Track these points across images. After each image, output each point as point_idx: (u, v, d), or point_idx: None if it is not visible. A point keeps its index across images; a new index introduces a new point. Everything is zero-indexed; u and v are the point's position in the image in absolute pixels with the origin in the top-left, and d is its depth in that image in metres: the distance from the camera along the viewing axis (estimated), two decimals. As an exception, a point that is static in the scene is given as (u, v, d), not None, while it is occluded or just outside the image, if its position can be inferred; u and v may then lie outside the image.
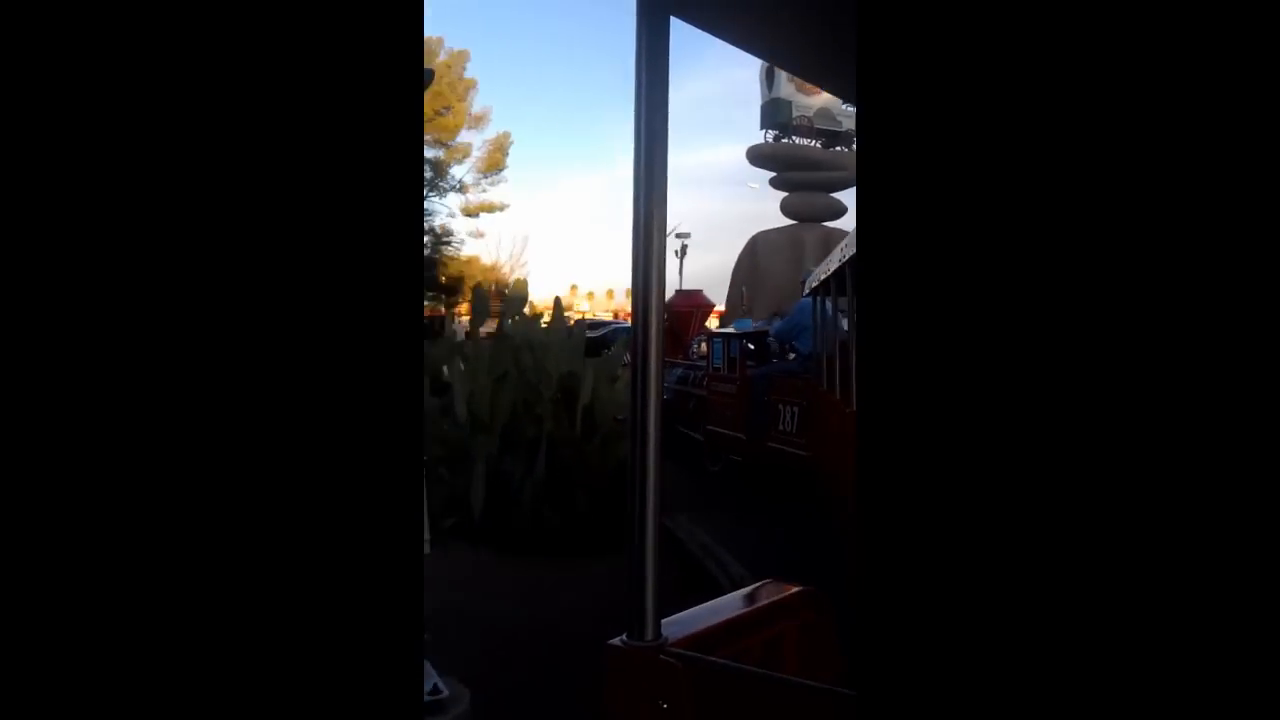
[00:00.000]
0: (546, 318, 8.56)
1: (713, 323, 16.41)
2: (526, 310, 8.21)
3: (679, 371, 10.71)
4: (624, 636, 1.45)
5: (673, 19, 1.48)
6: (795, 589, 1.81)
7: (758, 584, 1.86)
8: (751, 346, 9.52)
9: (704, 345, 10.75)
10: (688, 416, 9.97)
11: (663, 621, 1.48)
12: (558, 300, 8.24)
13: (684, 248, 29.70)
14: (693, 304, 13.73)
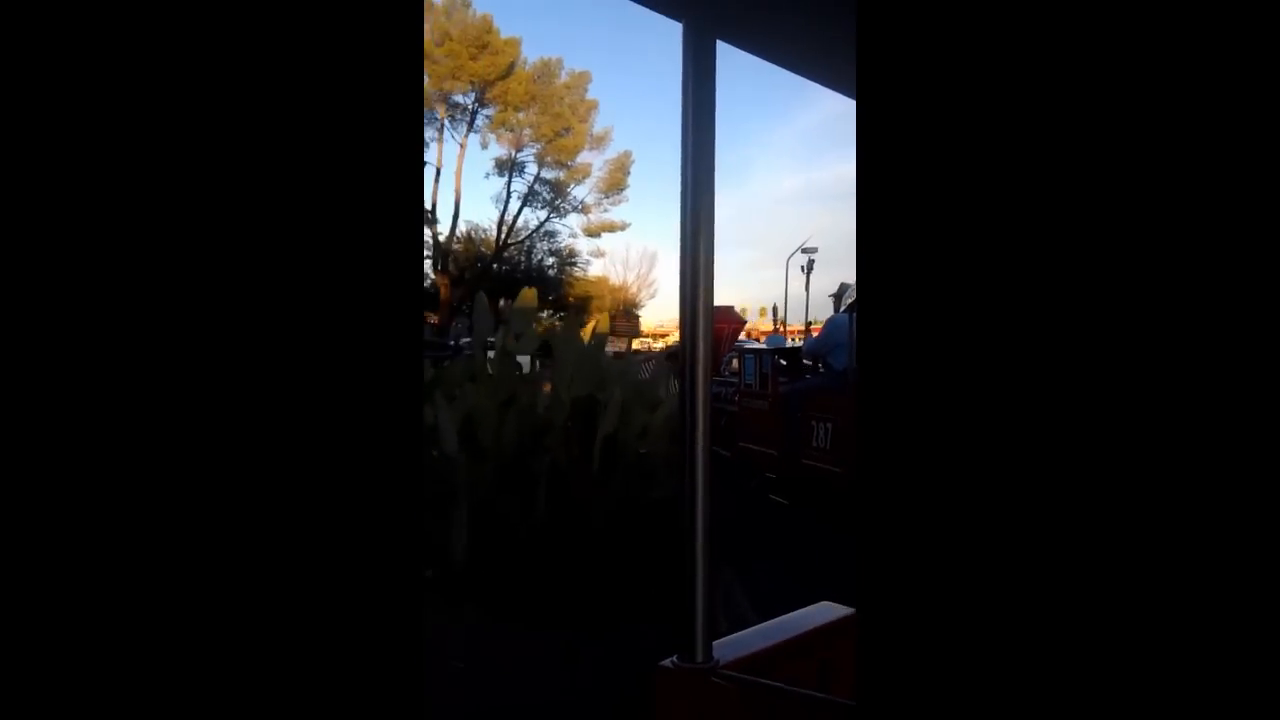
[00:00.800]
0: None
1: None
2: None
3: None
4: (675, 658, 1.44)
5: (719, 42, 1.50)
6: (850, 611, 1.80)
7: (811, 606, 1.85)
8: (784, 363, 9.50)
9: (735, 362, 10.72)
10: (719, 434, 9.90)
11: (714, 643, 1.48)
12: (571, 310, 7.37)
13: (810, 263, 28.97)
14: (722, 321, 13.74)
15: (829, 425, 7.60)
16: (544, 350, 6.38)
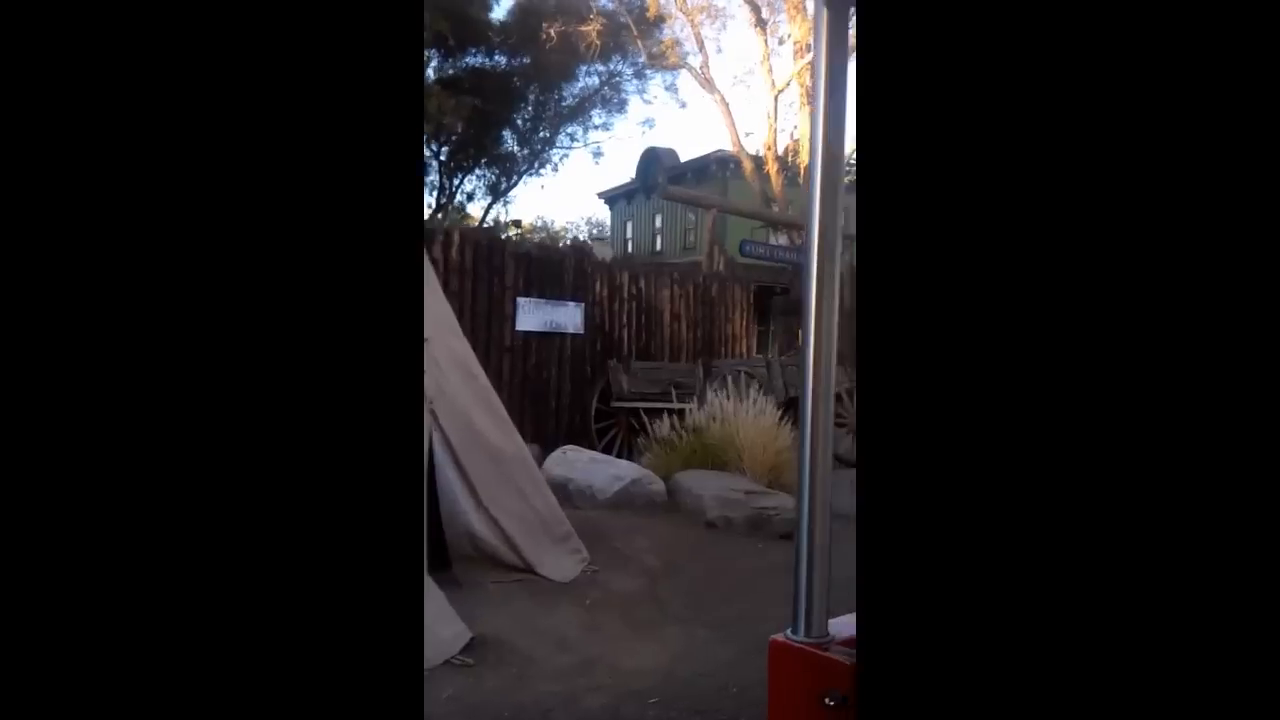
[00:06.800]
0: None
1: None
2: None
3: None
4: (788, 631, 1.48)
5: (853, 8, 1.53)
6: None
7: None
8: None
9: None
10: None
11: (831, 621, 1.51)
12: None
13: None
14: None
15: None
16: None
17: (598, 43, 17.42)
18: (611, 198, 28.25)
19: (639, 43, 18.15)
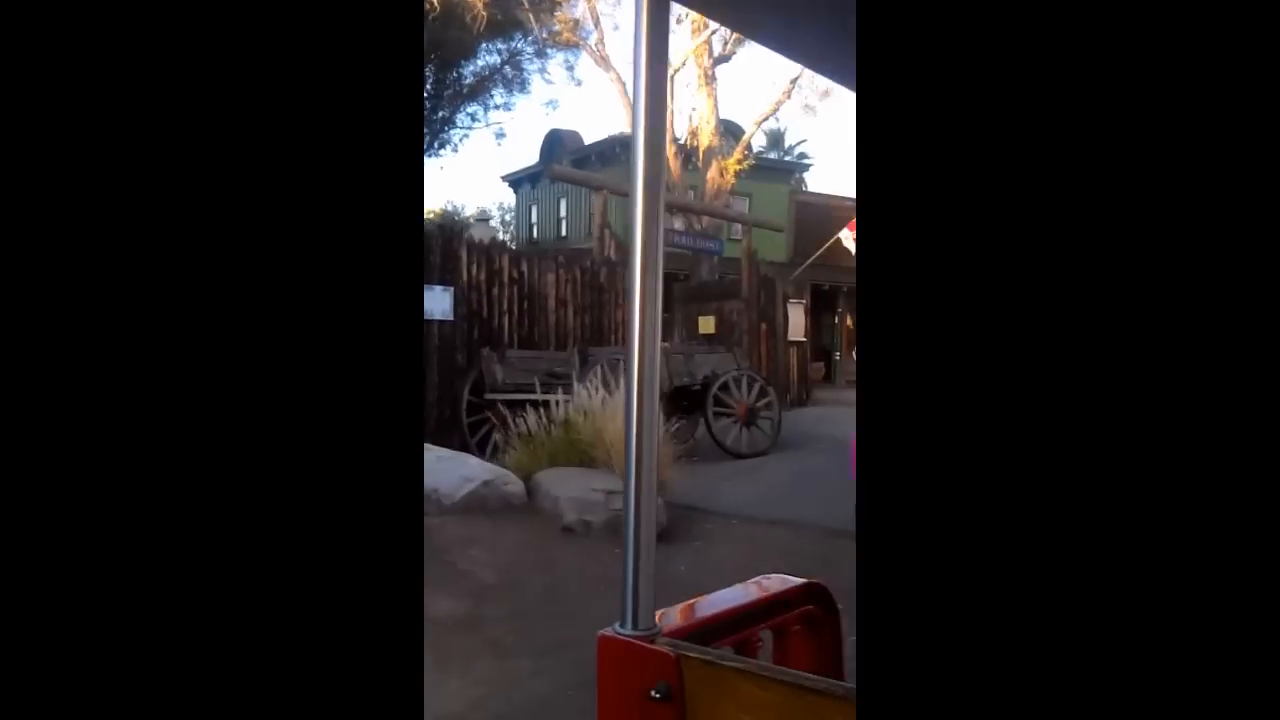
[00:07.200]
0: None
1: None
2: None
3: None
4: (615, 626, 1.47)
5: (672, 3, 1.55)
6: (798, 582, 1.84)
7: (758, 577, 1.88)
8: None
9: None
10: None
11: (658, 612, 1.51)
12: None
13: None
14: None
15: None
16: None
17: (484, 14, 16.31)
18: (515, 180, 27.20)
19: (531, 17, 17.28)
